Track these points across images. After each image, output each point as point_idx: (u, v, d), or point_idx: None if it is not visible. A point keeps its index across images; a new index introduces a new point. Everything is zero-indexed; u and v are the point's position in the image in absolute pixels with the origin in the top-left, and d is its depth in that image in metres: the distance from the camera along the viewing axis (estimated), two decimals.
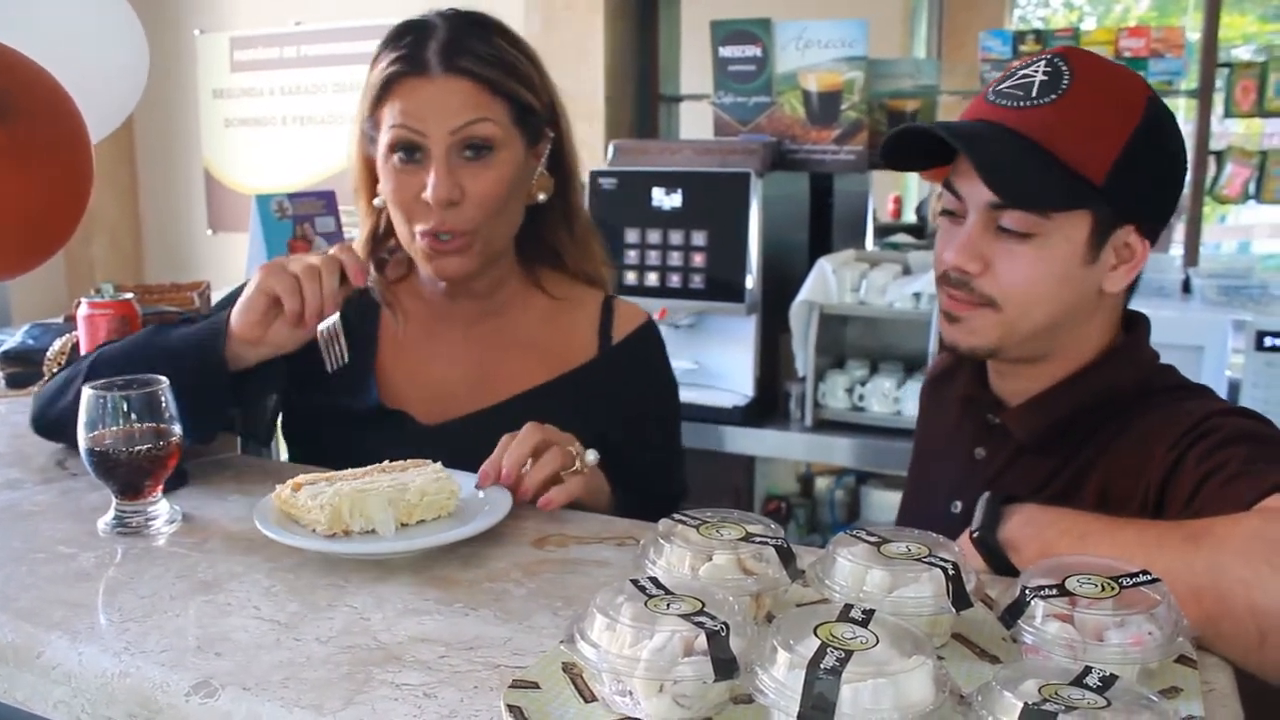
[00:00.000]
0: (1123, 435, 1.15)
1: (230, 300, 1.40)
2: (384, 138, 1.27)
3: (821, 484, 3.30)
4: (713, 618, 0.74)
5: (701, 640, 0.73)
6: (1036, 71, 1.15)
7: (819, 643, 0.70)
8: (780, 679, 0.69)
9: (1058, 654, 0.78)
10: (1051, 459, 1.20)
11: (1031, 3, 5.91)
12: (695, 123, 3.64)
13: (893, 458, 2.85)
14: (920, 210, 4.47)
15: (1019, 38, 2.86)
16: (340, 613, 0.91)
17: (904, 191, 5.04)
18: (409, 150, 1.25)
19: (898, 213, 4.82)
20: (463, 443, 1.18)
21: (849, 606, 0.75)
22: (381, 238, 1.41)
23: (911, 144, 1.20)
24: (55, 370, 1.54)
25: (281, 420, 1.41)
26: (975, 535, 1.02)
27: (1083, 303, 1.17)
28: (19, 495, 1.20)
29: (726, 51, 2.93)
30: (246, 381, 1.26)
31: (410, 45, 1.26)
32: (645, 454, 1.37)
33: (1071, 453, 1.18)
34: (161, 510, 1.11)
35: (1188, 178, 1.28)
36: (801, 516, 3.27)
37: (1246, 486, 0.98)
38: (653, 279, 2.90)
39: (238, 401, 1.27)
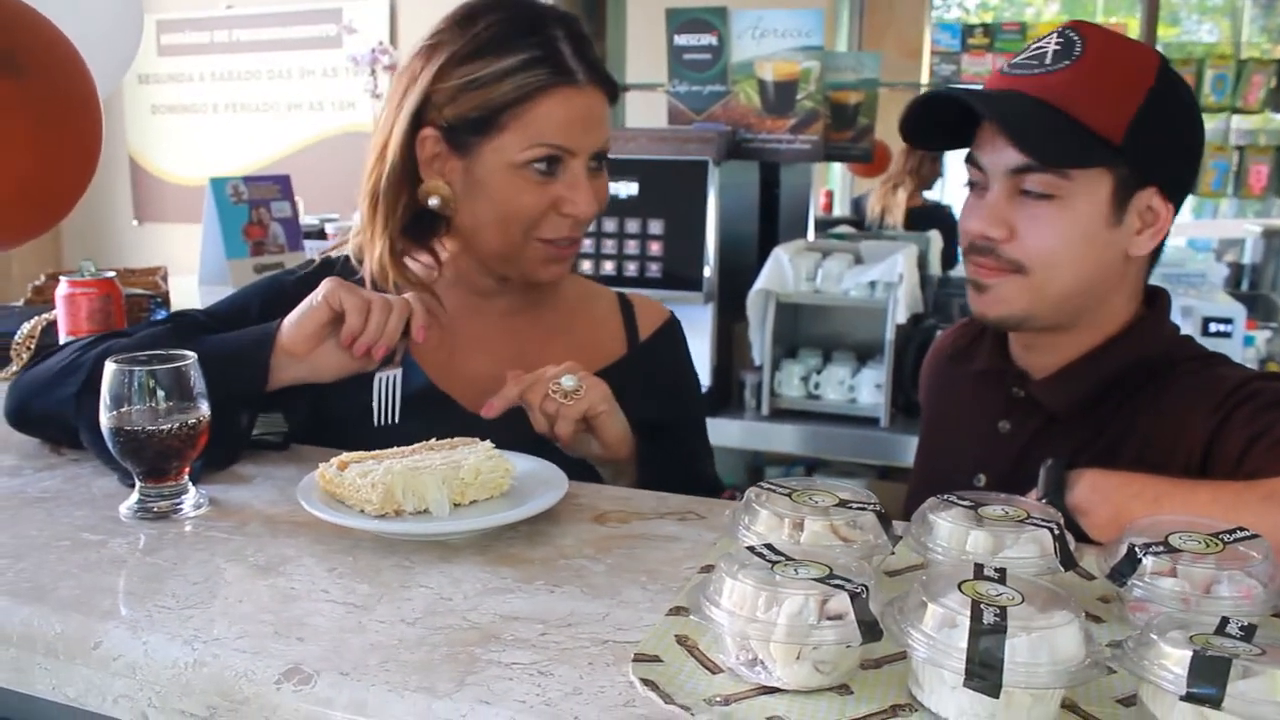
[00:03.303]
0: (1157, 402, 1.17)
1: (232, 304, 1.33)
2: (521, 151, 1.20)
3: (772, 473, 3.31)
4: (849, 580, 0.72)
5: (835, 603, 0.71)
6: (1049, 43, 1.17)
7: (969, 600, 0.68)
8: (933, 635, 0.67)
9: (1170, 608, 0.77)
10: (1083, 429, 1.21)
11: (947, 3, 6.06)
12: (640, 112, 3.62)
13: (848, 445, 2.88)
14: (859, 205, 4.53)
15: (968, 31, 2.92)
16: (417, 593, 0.87)
17: (834, 186, 5.11)
18: (548, 162, 1.21)
19: (829, 206, 4.89)
20: (514, 432, 1.12)
21: (980, 566, 0.74)
22: (411, 234, 1.29)
23: (924, 120, 1.21)
24: (27, 356, 1.44)
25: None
26: (1043, 501, 1.02)
27: (1109, 268, 1.18)
28: (21, 482, 1.11)
29: (681, 40, 2.91)
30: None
31: (543, 46, 1.20)
32: (677, 448, 1.34)
33: (1103, 422, 1.20)
34: (188, 493, 1.04)
35: None
36: None
37: None
38: (609, 268, 2.88)
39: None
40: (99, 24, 1.41)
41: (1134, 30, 2.97)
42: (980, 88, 1.25)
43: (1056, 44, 1.16)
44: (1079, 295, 1.18)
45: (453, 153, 1.23)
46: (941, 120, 1.21)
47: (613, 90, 1.27)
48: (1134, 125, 1.12)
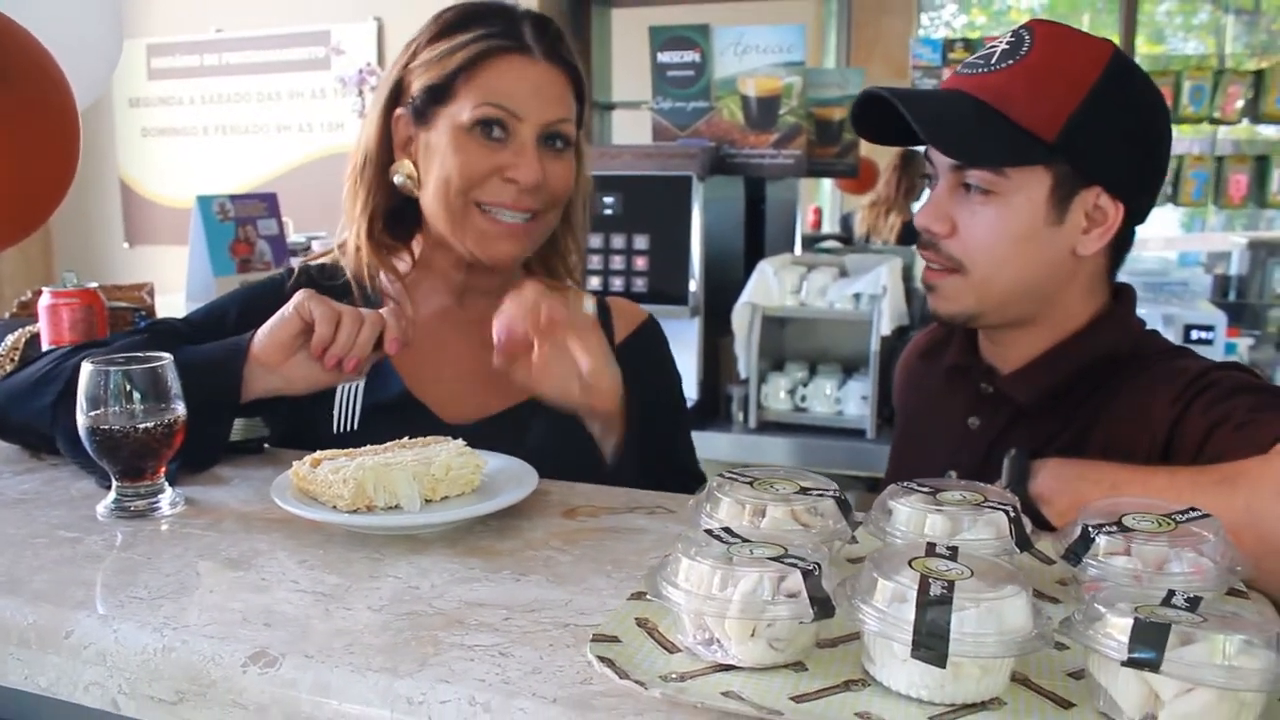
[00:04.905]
0: (1120, 394, 1.18)
1: (209, 312, 1.35)
2: (469, 111, 1.23)
3: None
4: (803, 559, 0.73)
5: (790, 582, 0.72)
6: (1001, 42, 1.20)
7: (919, 574, 0.70)
8: (884, 609, 0.69)
9: (1123, 585, 0.79)
10: (1049, 422, 1.22)
11: (935, 22, 6.12)
12: (625, 129, 3.65)
13: (835, 457, 2.89)
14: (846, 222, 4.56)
15: (949, 45, 2.95)
16: (385, 583, 0.88)
17: (823, 203, 5.15)
18: (495, 126, 1.24)
19: (818, 223, 4.91)
20: (487, 443, 1.13)
21: (933, 544, 0.76)
22: (386, 220, 1.33)
23: (878, 116, 1.24)
24: (10, 368, 1.45)
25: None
26: (1005, 490, 1.03)
27: (1056, 266, 1.20)
28: (0, 484, 1.13)
29: (665, 57, 2.94)
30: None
31: (503, 25, 1.25)
32: (659, 448, 1.35)
33: (1069, 415, 1.21)
34: (165, 493, 1.05)
35: None
36: None
37: (1259, 432, 1.01)
38: (595, 283, 2.90)
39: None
40: (77, 34, 1.43)
41: None
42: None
43: (1006, 43, 1.19)
44: (1024, 292, 1.20)
45: (418, 128, 1.28)
46: (897, 118, 1.22)
47: (575, 75, 1.29)
48: (1071, 123, 1.13)
